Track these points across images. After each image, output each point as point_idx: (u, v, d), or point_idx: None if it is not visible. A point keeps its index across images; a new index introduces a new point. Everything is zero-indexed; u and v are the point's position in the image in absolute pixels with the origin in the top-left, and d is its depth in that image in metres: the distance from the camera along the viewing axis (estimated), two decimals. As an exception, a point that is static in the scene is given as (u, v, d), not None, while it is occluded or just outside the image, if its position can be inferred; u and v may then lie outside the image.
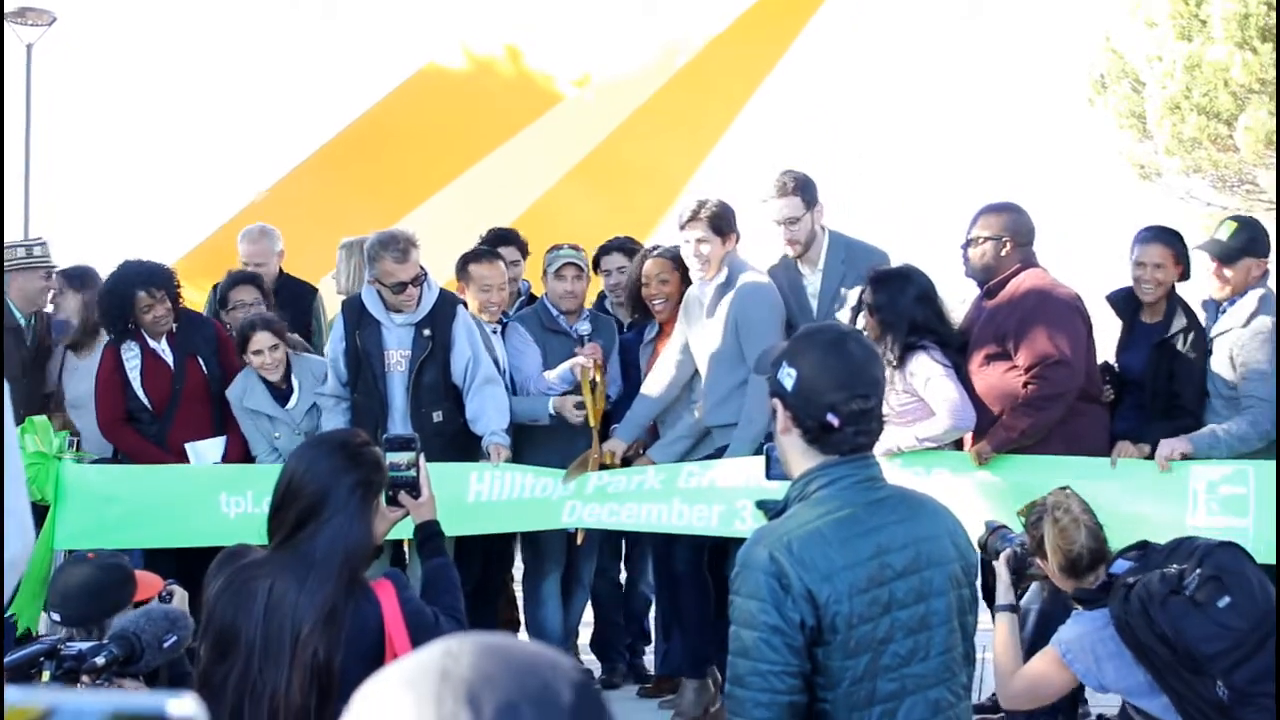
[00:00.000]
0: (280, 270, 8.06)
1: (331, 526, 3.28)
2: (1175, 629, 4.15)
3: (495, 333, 6.94)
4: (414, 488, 3.66)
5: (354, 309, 6.68)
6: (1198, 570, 4.23)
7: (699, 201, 6.62)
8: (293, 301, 7.80)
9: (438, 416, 6.55)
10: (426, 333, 6.56)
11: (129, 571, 4.27)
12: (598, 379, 6.75)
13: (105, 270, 7.63)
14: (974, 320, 6.27)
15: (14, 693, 1.00)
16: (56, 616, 4.09)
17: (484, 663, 1.16)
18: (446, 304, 6.67)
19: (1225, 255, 6.10)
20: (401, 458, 3.65)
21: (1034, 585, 5.39)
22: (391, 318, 6.60)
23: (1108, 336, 6.58)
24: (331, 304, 7.91)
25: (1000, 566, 4.72)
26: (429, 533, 3.73)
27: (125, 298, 6.77)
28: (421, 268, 6.59)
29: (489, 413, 6.56)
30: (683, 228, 6.59)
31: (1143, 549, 4.55)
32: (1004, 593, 4.71)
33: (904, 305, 6.07)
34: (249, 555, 3.38)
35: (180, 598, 4.30)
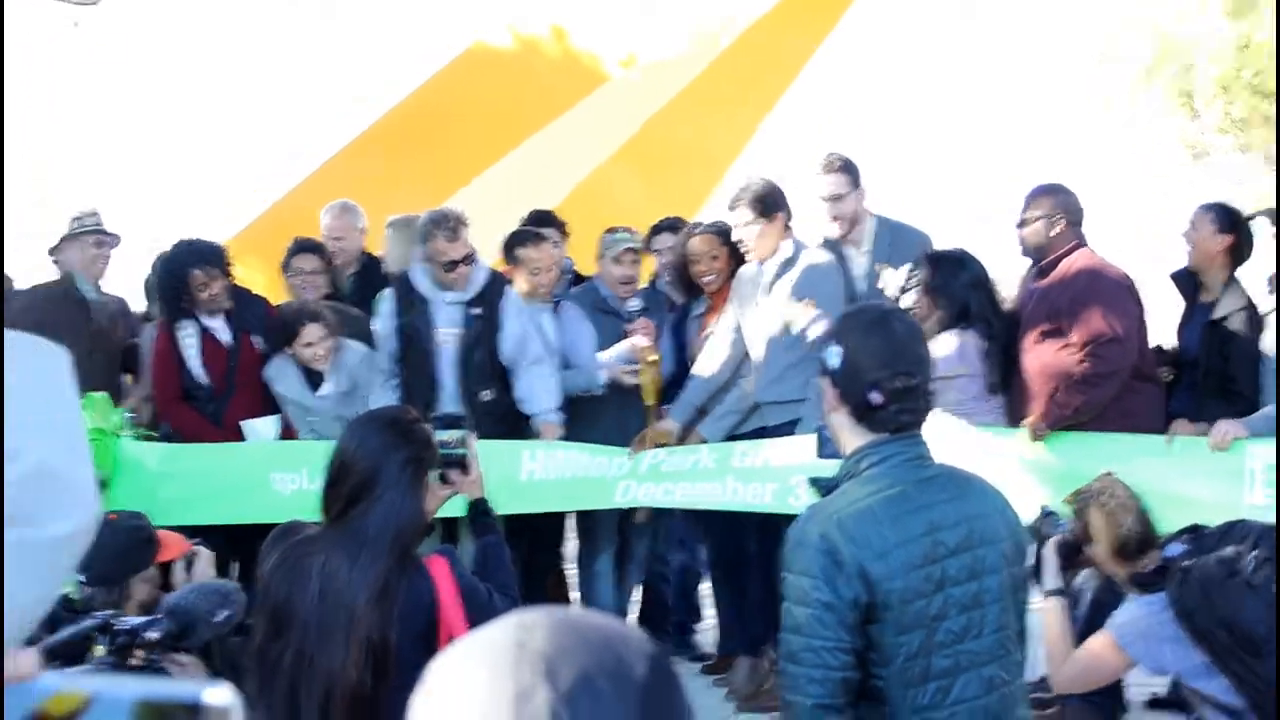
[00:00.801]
0: (363, 248, 8.01)
1: (383, 503, 3.30)
2: (1234, 613, 4.12)
3: (546, 311, 6.94)
4: (463, 465, 3.68)
5: (404, 287, 6.69)
6: (1254, 552, 4.19)
7: (742, 186, 6.61)
8: (374, 280, 7.74)
9: (486, 395, 6.56)
10: (476, 311, 6.57)
11: (151, 532, 4.25)
12: (656, 357, 6.75)
13: (155, 249, 7.66)
14: (1025, 300, 6.28)
15: (54, 678, 1.01)
16: (81, 576, 4.11)
17: (559, 636, 1.16)
18: (496, 283, 6.67)
19: None
20: (451, 435, 3.68)
21: (1087, 568, 5.36)
22: (441, 296, 6.61)
23: (1168, 316, 6.56)
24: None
25: (1048, 551, 4.70)
26: (480, 510, 3.76)
27: (180, 277, 6.76)
28: (472, 246, 6.60)
29: (538, 392, 6.57)
30: (731, 210, 6.61)
31: (1194, 533, 4.51)
32: (1052, 578, 4.68)
33: (957, 288, 6.18)
34: (302, 531, 3.41)
35: (206, 558, 4.30)
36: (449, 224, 6.50)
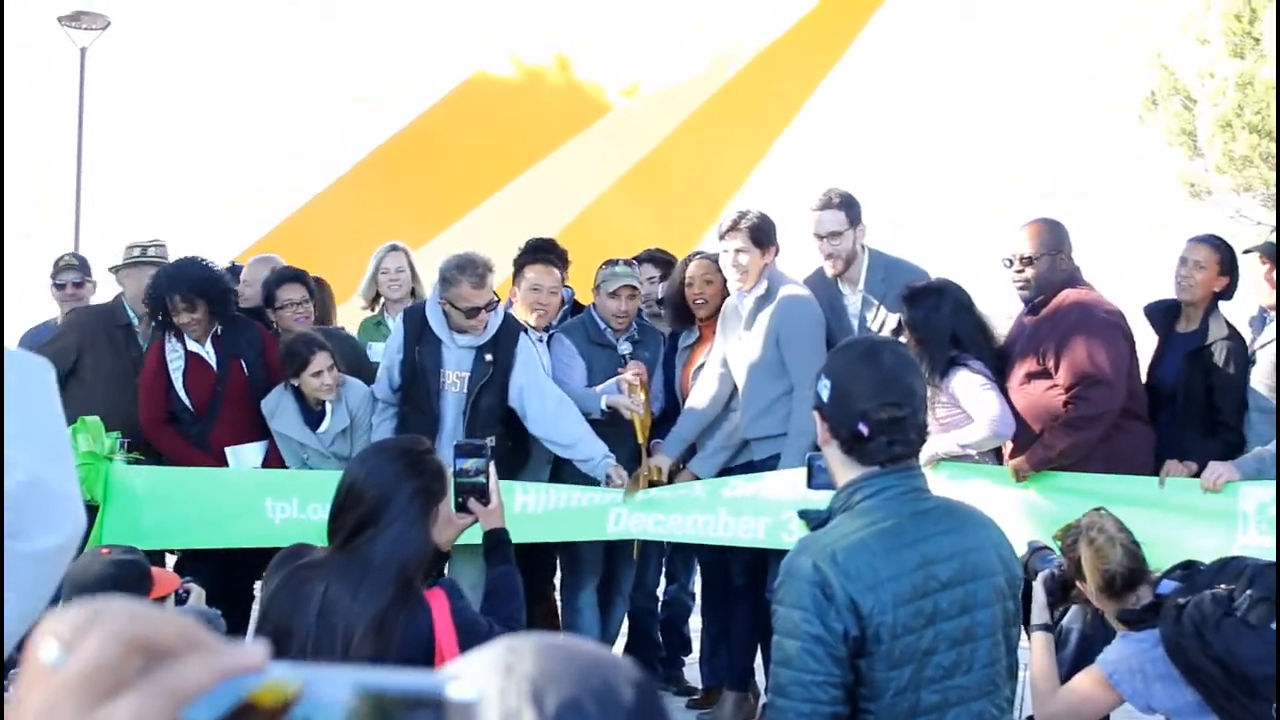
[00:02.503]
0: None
1: (391, 532, 3.28)
2: (1230, 651, 4.10)
3: (541, 341, 6.92)
4: (484, 494, 3.66)
5: (415, 322, 6.62)
6: (1248, 591, 4.18)
7: (739, 213, 6.60)
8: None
9: (491, 440, 6.51)
10: (488, 357, 6.50)
11: (145, 568, 4.20)
12: (644, 396, 6.74)
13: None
14: (1016, 336, 6.23)
15: (275, 666, 0.90)
16: None
17: (547, 660, 1.16)
18: (510, 328, 6.61)
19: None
20: (472, 464, 3.65)
21: (1075, 606, 5.35)
22: (454, 338, 6.53)
23: (1146, 351, 6.50)
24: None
25: (1037, 587, 4.69)
26: (496, 540, 3.74)
27: (160, 300, 6.74)
28: (495, 294, 6.55)
29: (585, 437, 6.51)
30: (722, 238, 6.58)
31: (1188, 569, 4.51)
32: (1039, 613, 4.66)
33: (939, 320, 6.06)
34: (308, 555, 3.39)
35: (197, 595, 4.28)
36: (476, 270, 6.43)
